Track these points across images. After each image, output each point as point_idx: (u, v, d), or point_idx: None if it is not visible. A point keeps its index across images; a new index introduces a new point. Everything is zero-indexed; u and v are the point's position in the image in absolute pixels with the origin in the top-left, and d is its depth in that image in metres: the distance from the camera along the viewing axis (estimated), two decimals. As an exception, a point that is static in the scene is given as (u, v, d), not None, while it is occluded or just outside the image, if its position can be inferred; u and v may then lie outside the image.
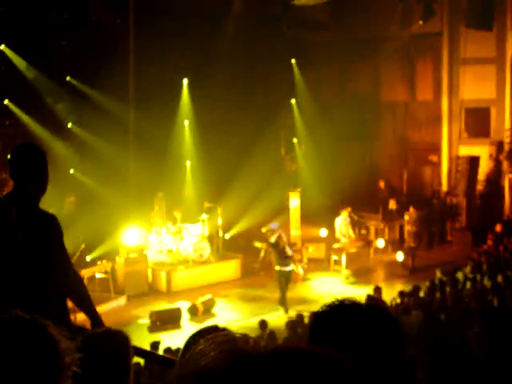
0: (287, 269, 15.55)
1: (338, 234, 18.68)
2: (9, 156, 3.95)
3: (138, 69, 18.58)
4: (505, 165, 21.15)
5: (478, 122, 22.24)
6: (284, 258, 15.51)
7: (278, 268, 15.56)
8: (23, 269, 2.77)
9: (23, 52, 18.01)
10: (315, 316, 2.00)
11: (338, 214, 18.81)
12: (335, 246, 18.54)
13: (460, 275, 14.02)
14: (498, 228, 18.81)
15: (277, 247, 15.61)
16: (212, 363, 1.18)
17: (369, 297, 12.61)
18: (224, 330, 2.80)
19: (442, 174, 22.70)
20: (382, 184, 22.36)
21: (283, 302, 15.35)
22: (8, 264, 2.31)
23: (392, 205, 20.93)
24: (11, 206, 2.44)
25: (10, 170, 3.89)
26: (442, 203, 21.85)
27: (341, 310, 1.99)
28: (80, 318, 7.91)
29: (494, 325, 9.78)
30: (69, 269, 4.25)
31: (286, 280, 15.49)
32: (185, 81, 21.49)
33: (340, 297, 2.06)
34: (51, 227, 3.93)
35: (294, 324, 11.70)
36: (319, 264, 18.74)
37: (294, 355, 1.19)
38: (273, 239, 15.87)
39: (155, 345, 10.71)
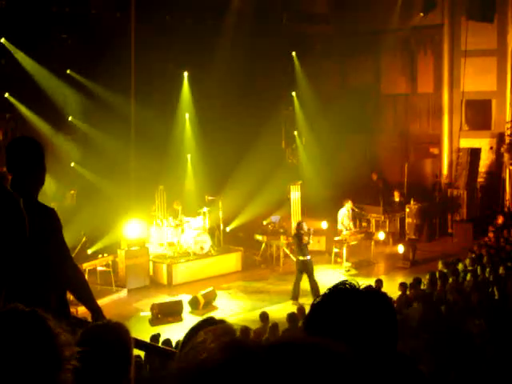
0: (308, 258, 15.45)
1: (339, 226, 18.66)
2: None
3: (138, 62, 18.56)
4: (506, 157, 21.12)
5: (478, 114, 22.22)
6: (305, 247, 15.42)
7: (301, 258, 15.40)
8: (25, 262, 2.78)
9: (24, 45, 17.98)
10: (311, 305, 2.04)
11: (339, 206, 18.80)
12: (336, 238, 18.53)
13: (461, 267, 14.02)
14: (499, 220, 18.82)
15: (299, 237, 15.48)
16: (211, 356, 1.18)
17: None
18: (222, 321, 2.80)
19: (443, 166, 22.68)
20: (374, 176, 22.36)
21: (295, 291, 15.35)
22: (14, 257, 2.29)
23: (397, 197, 20.98)
24: (21, 199, 2.41)
25: (7, 163, 3.89)
26: (442, 195, 21.85)
27: (332, 297, 2.02)
28: (81, 310, 7.94)
29: (495, 317, 9.80)
30: (69, 262, 4.25)
31: (307, 270, 15.33)
32: (185, 74, 21.46)
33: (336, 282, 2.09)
34: (50, 220, 3.93)
35: (295, 316, 11.70)
36: (320, 256, 18.73)
37: (294, 347, 1.19)
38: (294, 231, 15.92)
39: (155, 337, 10.69)
